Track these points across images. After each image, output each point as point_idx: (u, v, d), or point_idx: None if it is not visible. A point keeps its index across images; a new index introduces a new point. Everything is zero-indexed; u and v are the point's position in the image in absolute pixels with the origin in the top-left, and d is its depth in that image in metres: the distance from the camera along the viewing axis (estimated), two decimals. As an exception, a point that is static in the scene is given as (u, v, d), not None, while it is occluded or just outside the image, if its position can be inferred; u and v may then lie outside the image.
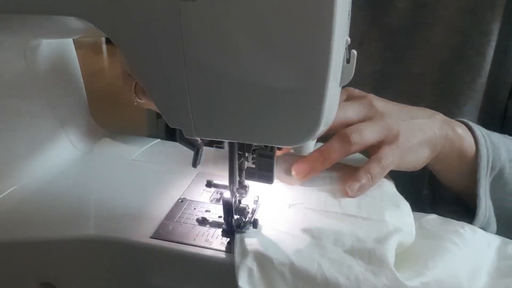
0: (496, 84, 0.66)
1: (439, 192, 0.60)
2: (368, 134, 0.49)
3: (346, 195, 0.47)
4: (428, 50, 0.68)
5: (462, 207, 0.57)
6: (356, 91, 0.55)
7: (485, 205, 0.53)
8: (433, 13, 0.67)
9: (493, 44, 0.65)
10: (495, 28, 0.64)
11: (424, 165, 0.53)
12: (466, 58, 0.66)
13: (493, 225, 0.54)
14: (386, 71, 0.69)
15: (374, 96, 0.54)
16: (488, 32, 0.64)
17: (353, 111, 0.51)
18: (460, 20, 0.65)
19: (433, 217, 0.50)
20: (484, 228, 0.52)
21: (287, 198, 0.49)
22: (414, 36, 0.68)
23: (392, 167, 0.50)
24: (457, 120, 0.56)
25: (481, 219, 0.53)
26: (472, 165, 0.54)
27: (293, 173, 0.49)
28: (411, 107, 0.54)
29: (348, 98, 0.54)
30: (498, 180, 0.55)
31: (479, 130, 0.55)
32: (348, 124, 0.50)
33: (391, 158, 0.49)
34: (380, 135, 0.49)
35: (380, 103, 0.52)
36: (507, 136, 0.60)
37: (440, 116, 0.54)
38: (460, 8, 0.65)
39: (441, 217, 0.51)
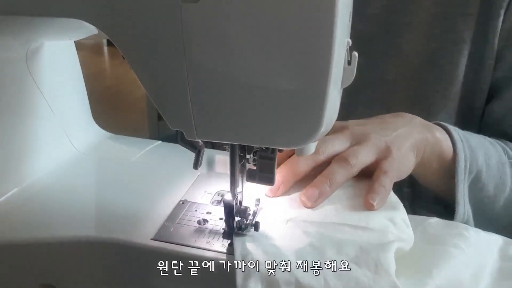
0: (472, 93, 0.67)
1: (419, 191, 0.61)
2: (363, 154, 0.50)
3: (369, 207, 0.47)
4: (400, 57, 0.68)
5: (442, 206, 0.58)
6: (336, 124, 0.54)
7: (464, 209, 0.54)
8: (404, 20, 0.67)
9: (465, 52, 0.65)
10: (468, 37, 0.64)
11: (411, 171, 0.54)
12: (438, 66, 0.66)
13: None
14: (359, 77, 0.69)
15: (353, 122, 0.54)
16: (460, 41, 0.65)
17: (339, 143, 0.51)
18: (432, 28, 0.66)
19: (435, 220, 0.50)
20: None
21: (287, 200, 0.49)
22: (386, 43, 0.68)
23: (395, 179, 0.50)
24: (436, 123, 0.57)
25: (459, 222, 0.53)
26: (451, 168, 0.55)
27: (303, 198, 0.48)
28: (390, 119, 0.55)
29: (329, 133, 0.54)
30: (475, 183, 0.56)
31: (457, 133, 0.56)
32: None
33: (393, 170, 0.50)
34: (373, 153, 0.50)
35: (361, 128, 0.53)
36: (485, 137, 0.60)
37: (418, 120, 0.56)
38: (431, 15, 0.65)
39: (444, 220, 0.51)
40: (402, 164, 0.52)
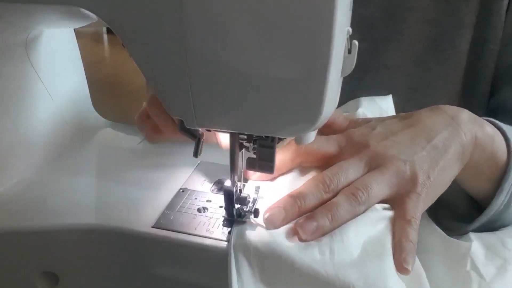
0: (475, 78, 0.66)
1: (444, 200, 0.57)
2: (376, 188, 0.43)
3: (404, 272, 0.40)
4: (402, 42, 0.67)
5: (467, 206, 0.54)
6: (355, 137, 0.48)
7: (503, 199, 0.49)
8: (406, 5, 0.66)
9: (468, 37, 0.64)
10: (470, 21, 0.64)
11: (447, 187, 0.47)
12: (441, 51, 0.65)
13: (502, 222, 0.51)
14: (361, 62, 0.67)
15: (377, 135, 0.47)
16: (462, 25, 0.64)
17: (353, 172, 0.45)
18: (434, 12, 0.65)
19: (475, 248, 0.45)
20: (492, 222, 0.50)
21: (287, 188, 0.49)
22: (389, 28, 0.68)
23: (420, 214, 0.44)
24: (484, 119, 0.51)
25: (492, 212, 0.49)
26: (503, 168, 0.48)
27: (298, 229, 0.41)
28: (427, 120, 0.48)
29: (347, 145, 0.48)
30: None
31: (503, 124, 0.51)
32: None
33: (417, 212, 0.43)
34: (392, 185, 0.44)
35: (385, 145, 0.46)
36: None
37: (464, 116, 0.48)
38: None
39: (480, 242, 0.46)
40: (431, 192, 0.45)
